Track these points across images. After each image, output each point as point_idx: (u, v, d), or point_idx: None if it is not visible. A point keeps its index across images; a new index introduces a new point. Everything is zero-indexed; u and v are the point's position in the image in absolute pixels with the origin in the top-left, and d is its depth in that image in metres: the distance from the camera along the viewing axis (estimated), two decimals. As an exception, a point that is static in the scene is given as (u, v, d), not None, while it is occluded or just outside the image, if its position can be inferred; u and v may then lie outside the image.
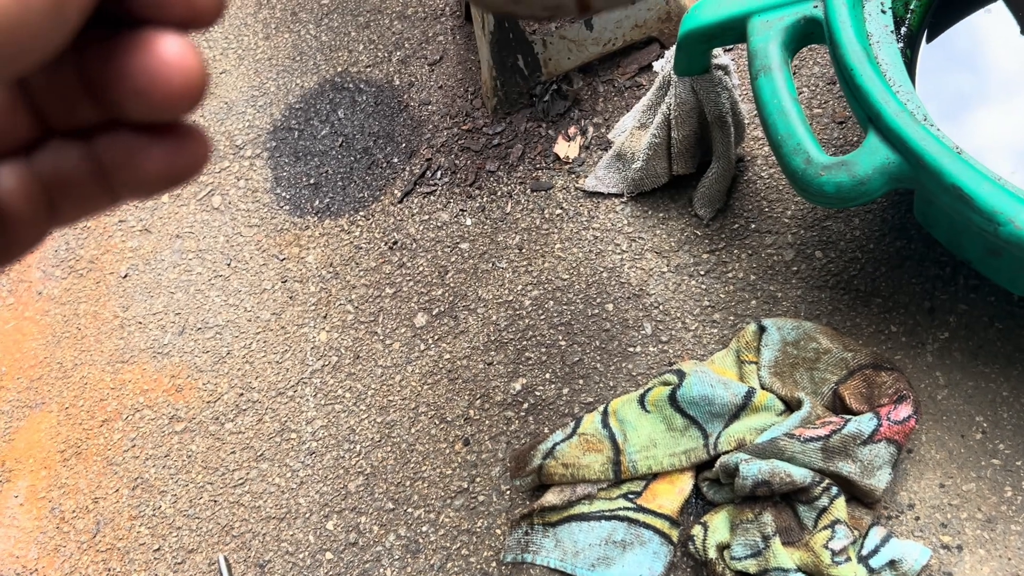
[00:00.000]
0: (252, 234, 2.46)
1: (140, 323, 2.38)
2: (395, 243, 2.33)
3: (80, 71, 0.33)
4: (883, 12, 1.70)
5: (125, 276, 2.47)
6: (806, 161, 1.61)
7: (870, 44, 1.65)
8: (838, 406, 1.72)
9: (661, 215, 2.14)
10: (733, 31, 1.82)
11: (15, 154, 0.35)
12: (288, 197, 2.51)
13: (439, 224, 2.33)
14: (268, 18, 2.90)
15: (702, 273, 2.05)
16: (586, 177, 2.26)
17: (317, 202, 2.47)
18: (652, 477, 1.74)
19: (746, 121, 2.09)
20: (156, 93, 0.32)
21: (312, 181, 2.51)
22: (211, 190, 2.56)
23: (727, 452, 1.69)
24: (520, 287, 2.16)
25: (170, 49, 0.32)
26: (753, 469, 1.59)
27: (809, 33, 1.75)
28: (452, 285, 2.21)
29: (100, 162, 0.35)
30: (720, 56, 1.95)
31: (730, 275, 2.03)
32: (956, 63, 1.94)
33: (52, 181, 0.35)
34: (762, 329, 1.85)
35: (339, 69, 2.72)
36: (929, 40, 1.97)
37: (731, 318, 1.98)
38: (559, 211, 2.25)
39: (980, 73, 1.92)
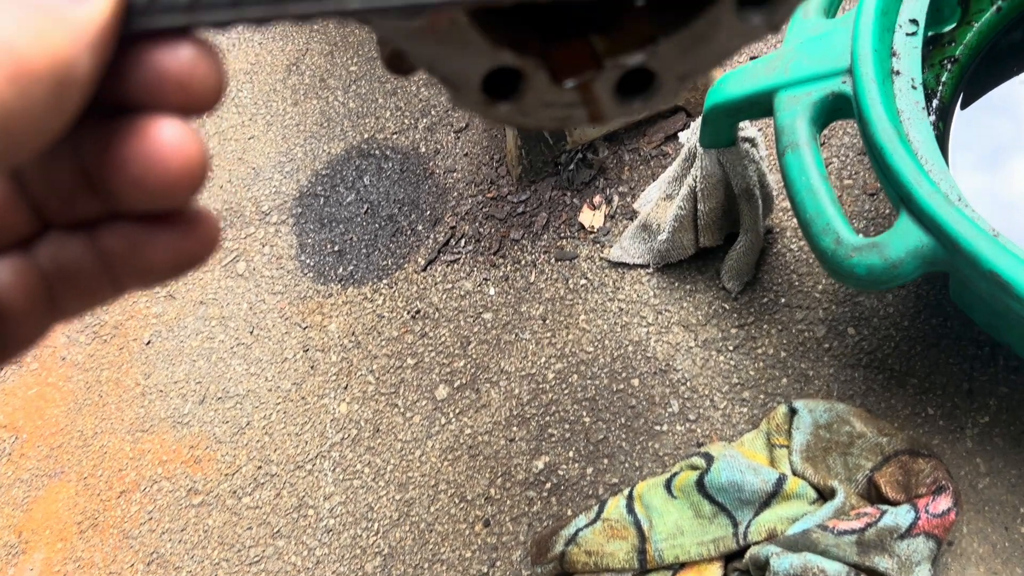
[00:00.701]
0: (275, 301, 2.44)
1: (161, 391, 2.36)
2: (418, 312, 2.30)
3: (77, 162, 0.32)
4: (913, 88, 1.66)
5: (148, 343, 2.46)
6: (836, 242, 1.56)
7: (901, 121, 1.61)
8: (873, 494, 1.65)
9: (688, 287, 2.10)
10: (759, 106, 1.78)
11: (14, 248, 0.33)
12: (312, 264, 2.49)
13: (462, 293, 2.30)
14: (297, 84, 2.92)
15: (731, 349, 1.99)
16: (611, 247, 2.22)
17: (341, 269, 2.45)
18: (679, 567, 1.67)
19: (775, 192, 2.05)
20: (153, 182, 0.31)
21: (336, 248, 2.50)
22: (236, 256, 2.55)
23: (757, 543, 1.62)
24: (543, 360, 2.12)
25: (166, 135, 0.31)
26: (785, 563, 1.52)
27: (838, 108, 1.71)
28: (474, 356, 2.17)
29: (103, 252, 0.34)
30: (747, 128, 1.91)
31: (760, 351, 1.97)
32: (988, 134, 1.89)
33: (53, 274, 0.34)
34: (793, 411, 1.78)
35: (366, 136, 2.71)
36: (963, 108, 1.92)
37: (761, 396, 1.91)
38: (584, 281, 2.21)
39: (1014, 144, 1.87)
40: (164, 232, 0.34)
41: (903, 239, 1.52)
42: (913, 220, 1.52)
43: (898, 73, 1.66)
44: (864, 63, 1.64)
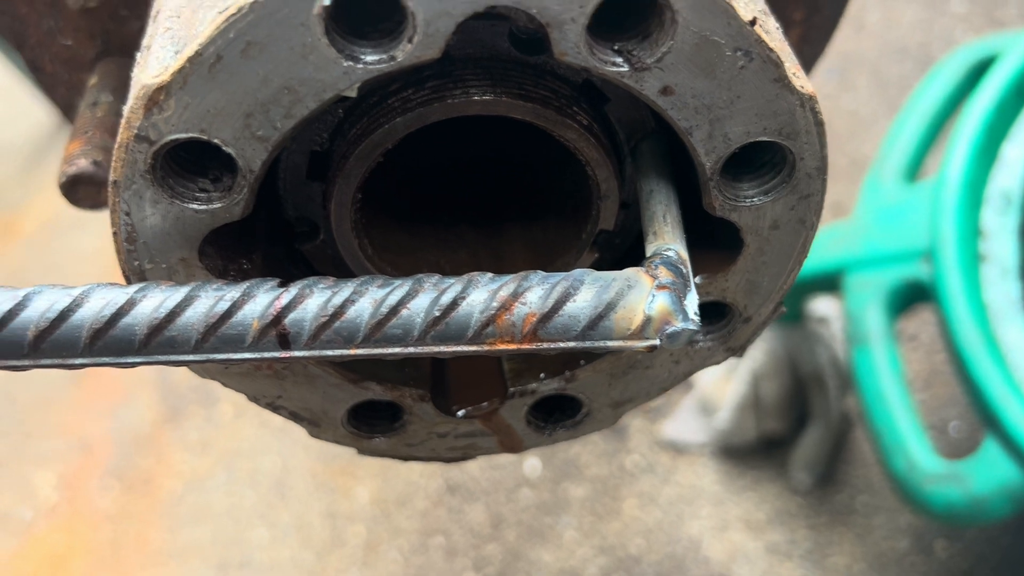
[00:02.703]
0: (306, 458, 2.29)
1: (183, 553, 2.22)
2: (452, 483, 2.10)
3: None
4: (1005, 275, 1.38)
5: (177, 497, 2.34)
6: (908, 465, 1.30)
7: (988, 319, 1.33)
8: None
9: (751, 477, 1.83)
10: (827, 284, 1.54)
11: None
12: (349, 419, 2.33)
13: (501, 462, 2.09)
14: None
15: (798, 555, 1.71)
16: (665, 421, 1.98)
17: (378, 426, 2.29)
18: None
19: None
20: None
21: (376, 402, 2.34)
22: (275, 404, 2.42)
23: None
24: (584, 552, 1.88)
25: None
26: None
27: (916, 295, 1.45)
28: (507, 541, 1.95)
29: None
30: (818, 305, 1.67)
31: (831, 561, 1.68)
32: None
33: None
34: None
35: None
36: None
37: (830, 621, 1.62)
38: (633, 459, 1.97)
39: None
40: None
41: (989, 470, 1.24)
42: (1001, 447, 1.24)
43: (986, 258, 1.39)
44: (945, 246, 1.39)
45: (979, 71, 1.61)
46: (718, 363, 0.61)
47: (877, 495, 1.74)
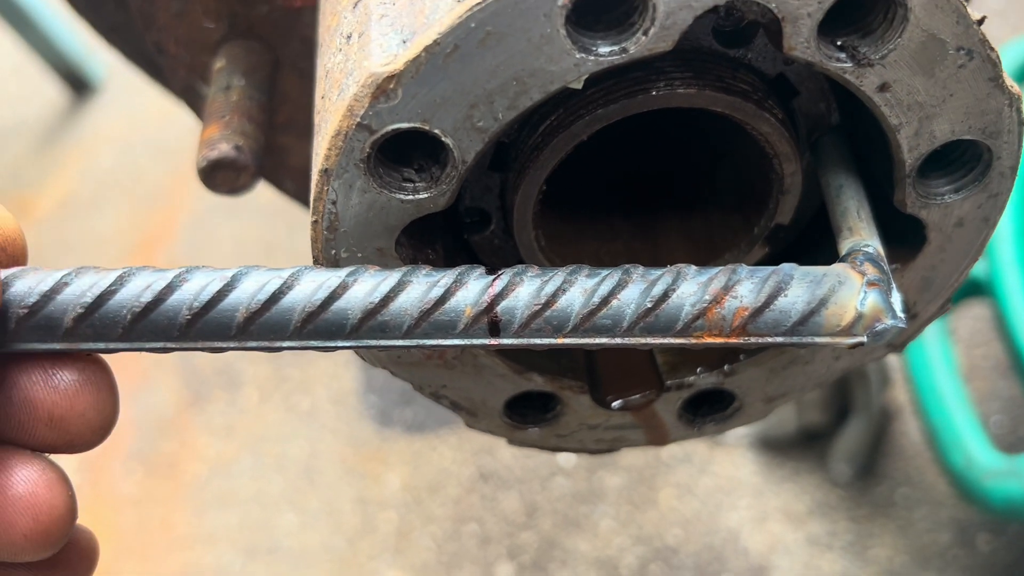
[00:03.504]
0: (335, 443, 2.28)
1: (210, 538, 2.21)
2: (485, 470, 2.09)
3: None
4: (1067, 273, 1.40)
5: (203, 481, 2.33)
6: (966, 459, 1.30)
7: (1051, 315, 1.34)
8: None
9: (791, 467, 1.84)
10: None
11: None
12: (377, 404, 2.33)
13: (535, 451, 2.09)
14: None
15: (839, 547, 1.72)
16: (702, 412, 1.99)
17: (407, 413, 2.28)
18: None
19: (894, 366, 1.79)
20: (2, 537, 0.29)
21: (403, 389, 2.33)
22: (302, 388, 2.41)
23: None
24: (620, 541, 1.88)
25: (19, 487, 0.30)
26: None
27: (970, 288, 1.46)
28: (543, 529, 1.95)
29: None
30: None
31: (872, 553, 1.69)
32: None
33: None
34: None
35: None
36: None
37: (872, 613, 1.64)
38: (670, 449, 1.97)
39: None
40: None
41: (1054, 466, 1.25)
42: (1067, 444, 1.25)
43: (1046, 255, 1.40)
44: (1001, 242, 1.39)
45: (1029, 67, 1.61)
46: (877, 359, 0.61)
47: (918, 488, 1.74)
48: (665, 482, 1.93)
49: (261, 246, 2.67)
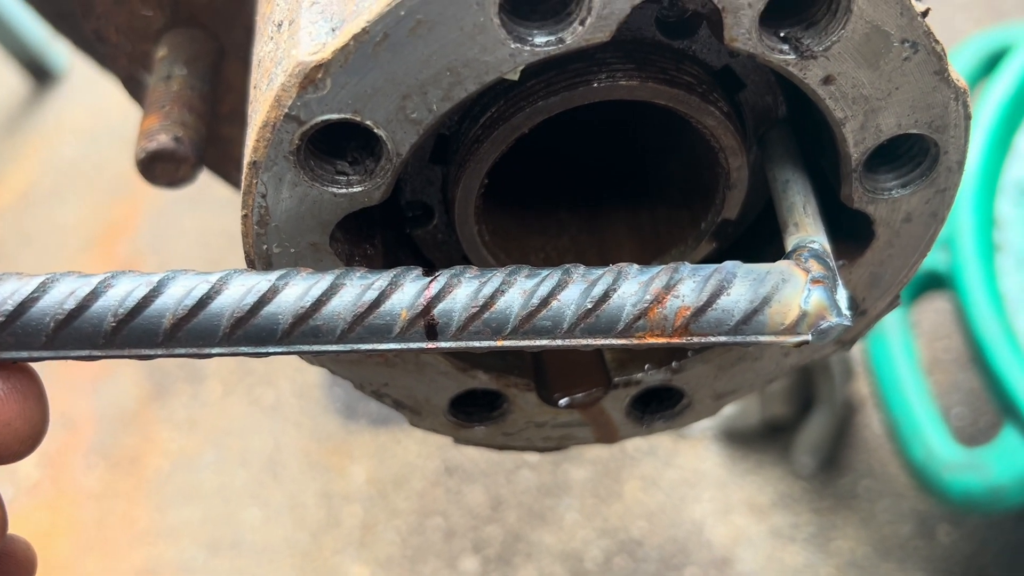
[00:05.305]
0: (299, 437, 2.26)
1: (173, 532, 2.19)
2: (450, 464, 2.08)
3: None
4: (1020, 265, 1.40)
5: (165, 476, 2.30)
6: (926, 452, 1.31)
7: (1005, 309, 1.35)
8: None
9: (754, 460, 1.85)
10: (840, 271, 1.55)
11: None
12: (342, 397, 2.31)
13: (501, 445, 2.08)
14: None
15: (802, 539, 1.73)
16: (667, 405, 1.99)
17: (373, 406, 2.26)
18: None
19: (857, 359, 1.80)
20: None
21: (369, 381, 2.31)
22: (266, 381, 2.39)
23: None
24: (585, 534, 1.88)
25: None
26: None
27: (931, 281, 1.46)
28: (508, 522, 1.95)
29: None
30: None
31: (835, 545, 1.70)
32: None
33: None
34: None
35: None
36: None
37: (834, 604, 1.64)
38: (634, 442, 1.97)
39: None
40: None
41: (1007, 459, 1.25)
42: (1020, 436, 1.26)
43: (1001, 248, 1.41)
44: (963, 235, 1.40)
45: (991, 62, 1.62)
46: (827, 356, 0.61)
47: (880, 480, 1.75)
48: (630, 475, 1.93)
49: (225, 237, 2.63)
